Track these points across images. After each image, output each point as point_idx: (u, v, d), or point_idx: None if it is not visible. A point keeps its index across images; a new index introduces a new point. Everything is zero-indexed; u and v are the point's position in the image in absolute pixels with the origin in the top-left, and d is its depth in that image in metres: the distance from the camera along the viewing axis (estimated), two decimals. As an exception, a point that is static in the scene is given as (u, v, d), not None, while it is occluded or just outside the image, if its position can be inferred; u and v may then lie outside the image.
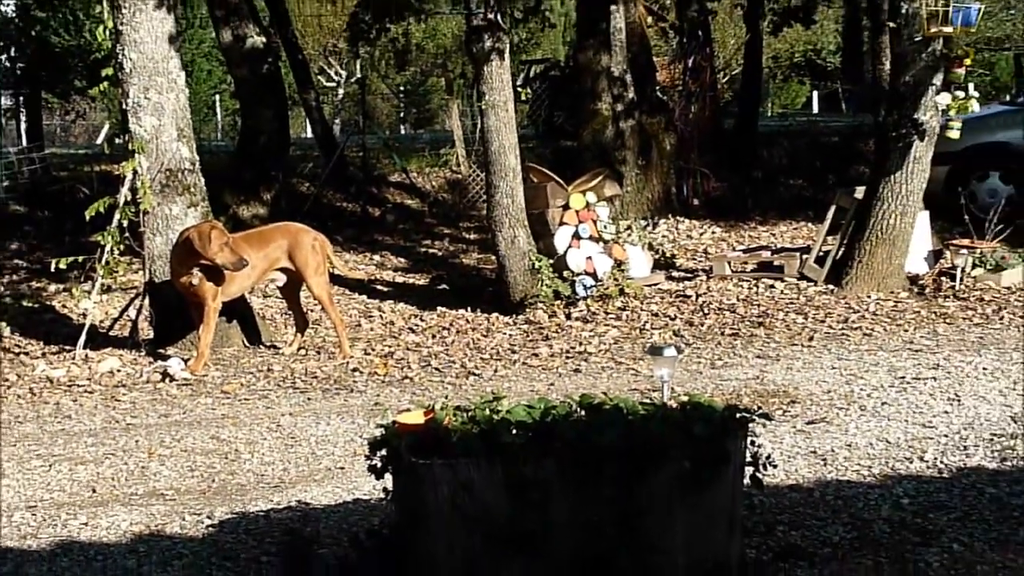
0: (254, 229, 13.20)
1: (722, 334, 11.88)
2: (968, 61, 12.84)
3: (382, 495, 5.98)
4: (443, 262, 16.62)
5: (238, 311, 12.55)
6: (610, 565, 5.50)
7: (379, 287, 14.96)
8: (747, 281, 13.76)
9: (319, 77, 36.06)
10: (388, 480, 5.80)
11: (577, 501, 5.48)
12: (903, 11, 12.68)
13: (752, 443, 5.95)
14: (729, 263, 14.40)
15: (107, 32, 12.18)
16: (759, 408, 6.60)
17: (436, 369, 11.33)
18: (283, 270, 12.16)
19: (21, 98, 31.58)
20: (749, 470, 5.96)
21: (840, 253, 13.57)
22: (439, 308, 13.73)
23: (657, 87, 19.54)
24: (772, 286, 13.49)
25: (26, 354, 12.54)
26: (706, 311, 12.76)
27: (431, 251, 17.32)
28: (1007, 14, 38.30)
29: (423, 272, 16.03)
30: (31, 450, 9.08)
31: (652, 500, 5.55)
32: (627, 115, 17.58)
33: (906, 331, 11.47)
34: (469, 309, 13.48)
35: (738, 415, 5.86)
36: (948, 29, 12.47)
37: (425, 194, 20.78)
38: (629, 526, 5.53)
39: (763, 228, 17.32)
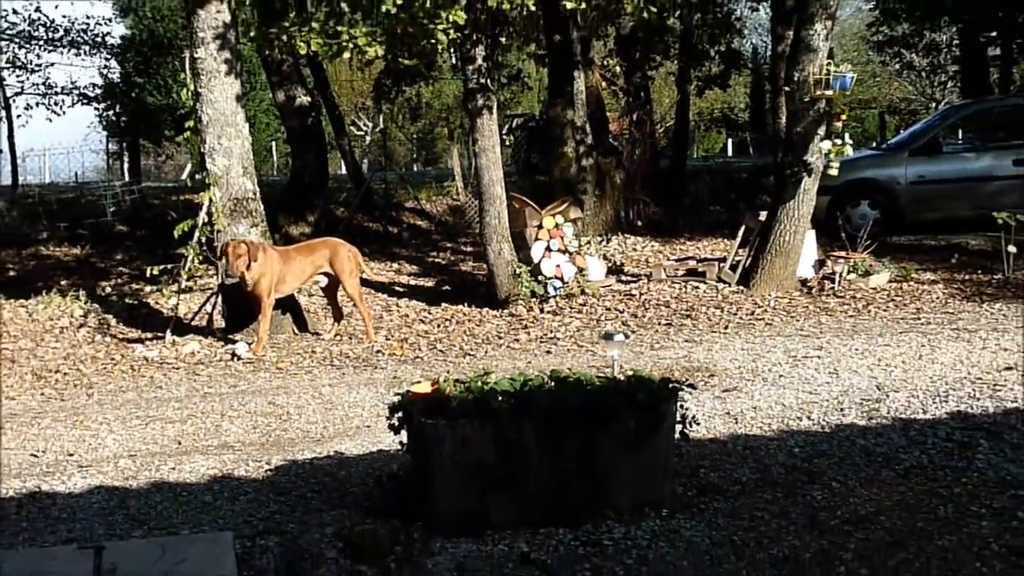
0: (304, 243, 13.25)
1: (659, 324, 11.90)
2: (844, 116, 12.88)
3: (399, 447, 6.00)
4: (446, 269, 16.61)
5: (289, 306, 12.55)
6: (572, 494, 5.53)
7: (397, 288, 14.95)
8: (678, 283, 13.76)
9: (351, 127, 36.00)
10: (403, 436, 5.83)
11: (548, 451, 5.50)
12: (796, 78, 12.72)
13: (681, 407, 5.98)
14: (664, 270, 14.41)
15: (189, 94, 12.17)
16: (687, 380, 6.61)
17: (440, 351, 11.34)
18: (325, 274, 12.27)
19: (124, 144, 31.52)
20: (679, 428, 5.99)
21: (748, 262, 13.59)
22: (443, 304, 13.73)
23: (609, 135, 19.56)
24: (697, 287, 13.50)
25: (128, 340, 12.53)
26: (647, 306, 12.78)
27: (437, 260, 17.32)
28: (873, 81, 38.48)
29: (430, 276, 16.02)
30: (132, 412, 9.08)
31: (605, 450, 5.58)
32: (587, 156, 17.59)
33: (797, 321, 11.50)
34: (466, 305, 13.48)
35: (671, 385, 5.89)
36: (829, 92, 12.52)
37: (432, 217, 20.77)
38: (588, 470, 5.56)
39: (690, 243, 17.33)
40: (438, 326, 12.65)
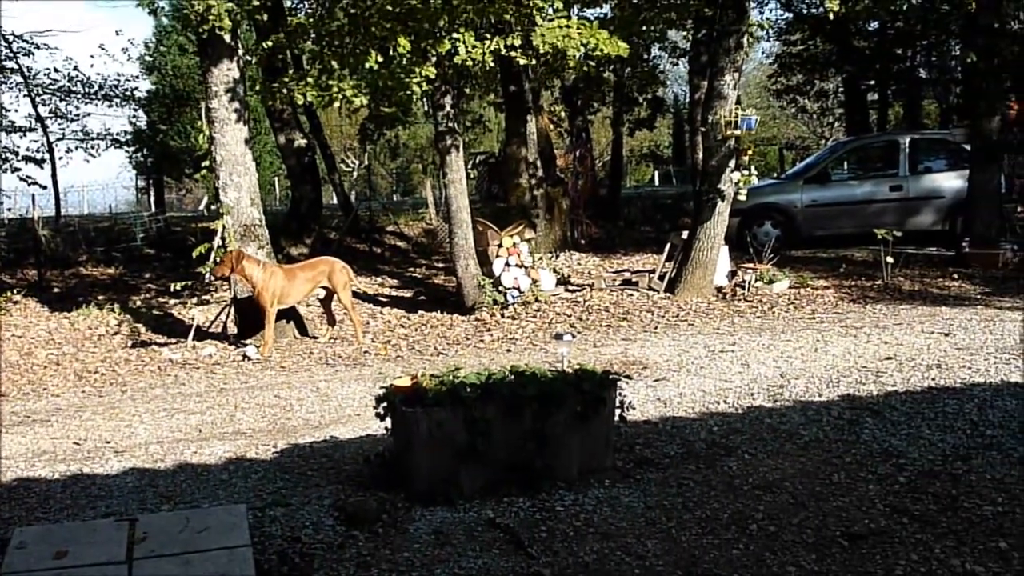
0: (306, 261, 13.17)
1: (600, 325, 11.92)
2: (750, 152, 12.98)
3: (384, 431, 5.99)
4: (421, 282, 16.57)
5: (291, 314, 12.48)
6: (529, 469, 5.54)
7: (380, 298, 14.90)
8: (616, 291, 13.79)
9: (341, 164, 35.79)
10: (388, 422, 5.81)
11: (509, 431, 5.50)
12: (709, 120, 12.81)
13: (620, 394, 6.00)
14: (604, 280, 14.43)
15: (205, 138, 12.10)
16: (624, 372, 6.63)
17: (418, 351, 11.32)
18: (323, 287, 12.20)
19: (151, 180, 31.25)
20: (618, 411, 6.01)
21: (673, 273, 13.64)
22: (419, 311, 13.69)
23: (557, 168, 19.59)
24: (631, 294, 13.54)
25: (156, 344, 12.42)
26: (590, 311, 12.80)
27: (414, 275, 17.27)
28: (773, 122, 38.79)
29: (409, 288, 15.98)
30: (160, 406, 9.00)
31: (557, 429, 5.59)
32: (538, 187, 17.62)
33: (714, 322, 11.56)
34: (439, 312, 13.45)
35: (611, 376, 5.91)
36: (738, 132, 12.61)
37: (410, 238, 20.69)
38: (542, 446, 5.56)
39: (625, 257, 17.37)
40: (416, 330, 12.62)
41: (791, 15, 25.13)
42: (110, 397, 9.87)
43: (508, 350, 10.84)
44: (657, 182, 40.24)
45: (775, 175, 22.71)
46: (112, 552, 4.55)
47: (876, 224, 14.71)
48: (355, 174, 39.88)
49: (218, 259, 11.85)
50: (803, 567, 4.57)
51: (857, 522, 5.00)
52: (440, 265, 17.77)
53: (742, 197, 13.13)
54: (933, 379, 7.60)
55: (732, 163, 12.83)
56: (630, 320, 12.03)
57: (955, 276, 13.48)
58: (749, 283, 13.17)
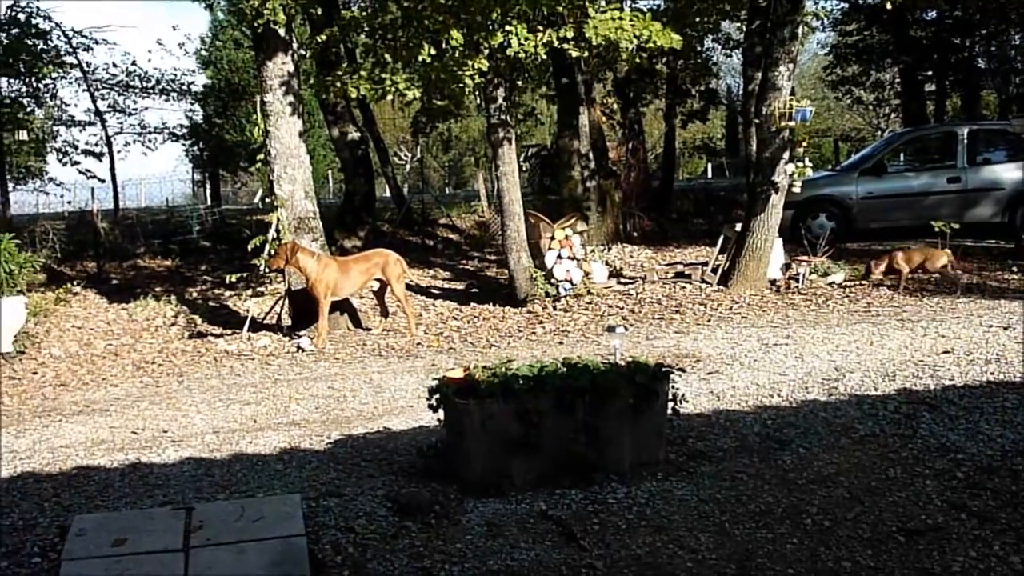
0: (360, 254, 13.24)
1: (653, 318, 11.87)
2: (804, 143, 12.84)
3: (437, 423, 6.01)
4: (474, 274, 16.61)
5: (345, 306, 12.56)
6: (581, 461, 5.52)
7: (433, 291, 14.95)
8: (668, 284, 13.73)
9: (394, 157, 35.99)
10: (441, 414, 5.83)
11: (561, 423, 5.50)
12: (763, 112, 12.68)
13: (672, 387, 5.96)
14: (656, 273, 14.39)
15: (260, 132, 12.21)
16: (677, 365, 6.60)
17: (470, 343, 11.34)
18: (377, 280, 12.27)
19: (207, 173, 31.60)
20: (671, 404, 5.98)
21: (726, 266, 13.55)
22: (472, 304, 13.72)
23: (609, 161, 19.54)
24: (684, 287, 13.47)
25: (212, 335, 12.57)
26: (642, 304, 12.75)
27: (466, 267, 17.31)
28: (828, 113, 38.31)
29: (461, 280, 16.02)
30: (215, 396, 9.11)
31: (608, 422, 5.57)
32: (590, 179, 17.59)
33: (768, 315, 11.46)
34: (491, 304, 13.47)
35: (663, 369, 5.88)
36: (792, 123, 12.48)
37: (462, 231, 20.75)
38: (594, 438, 5.54)
39: (678, 250, 17.28)
40: (468, 322, 12.65)
41: (847, 5, 24.81)
42: (167, 387, 10.00)
43: (560, 342, 10.83)
44: (710, 174, 39.92)
45: (830, 167, 22.43)
46: (169, 540, 4.61)
47: (933, 216, 14.47)
48: (408, 167, 40.09)
49: (272, 251, 11.96)
50: (859, 562, 4.51)
51: (914, 518, 4.92)
52: (492, 258, 17.79)
53: (796, 189, 12.99)
54: (992, 373, 7.46)
55: (786, 155, 12.70)
56: (683, 313, 11.96)
57: (1015, 269, 13.23)
58: (803, 276, 13.04)
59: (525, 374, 5.62)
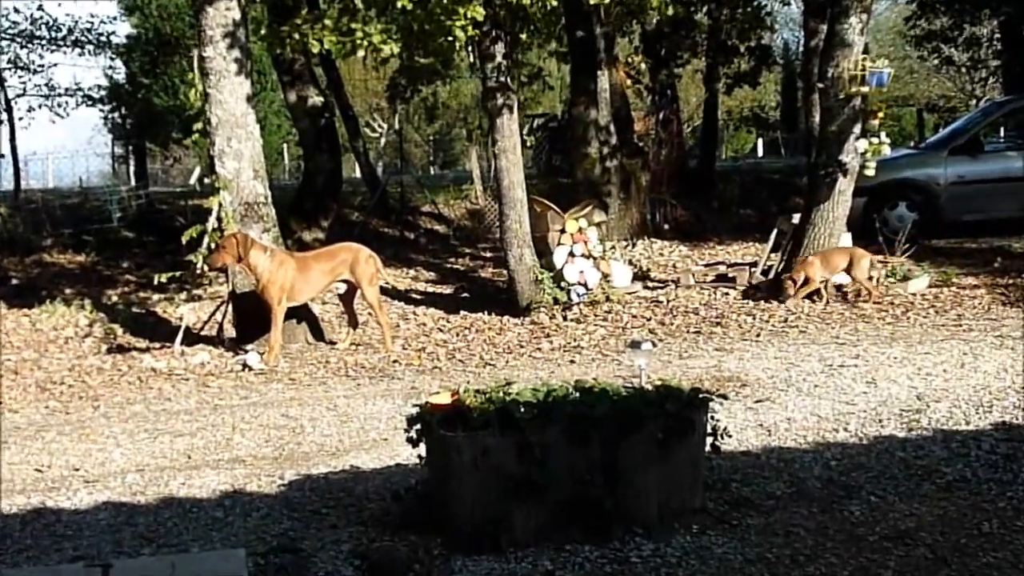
0: (324, 249, 13.24)
1: (687, 332, 11.87)
2: (881, 114, 12.86)
3: (417, 460, 6.01)
4: (464, 275, 16.61)
5: (303, 314, 12.57)
6: (597, 508, 5.53)
7: (414, 295, 14.95)
8: (707, 289, 13.74)
9: (365, 129, 35.98)
10: (422, 448, 5.84)
11: (572, 460, 5.50)
12: (829, 74, 12.70)
13: (712, 418, 5.98)
14: (693, 275, 14.39)
15: (198, 94, 12.23)
16: (717, 390, 6.60)
17: (460, 361, 11.34)
18: (344, 281, 12.27)
19: (130, 147, 31.61)
20: (710, 439, 5.99)
21: (780, 267, 13.55)
22: (462, 312, 13.72)
23: (635, 135, 19.55)
24: (727, 293, 13.47)
25: (135, 349, 12.57)
26: (675, 313, 12.75)
27: (455, 267, 17.32)
28: (911, 77, 38.32)
29: (448, 283, 16.02)
30: (139, 425, 9.11)
31: (632, 460, 5.58)
32: (611, 157, 17.59)
33: (833, 329, 11.46)
34: (485, 313, 13.47)
35: (700, 395, 5.89)
36: (865, 89, 12.50)
37: (450, 221, 20.75)
38: (614, 480, 5.55)
39: (720, 247, 17.29)
40: (457, 335, 12.66)
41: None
42: (79, 414, 10.00)
43: (572, 361, 10.83)
44: (761, 152, 39.98)
45: (912, 144, 22.44)
46: (82, 604, 4.62)
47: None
48: (383, 141, 40.10)
49: (213, 245, 11.96)
50: (944, 639, 4.52)
51: (1014, 584, 4.93)
52: (488, 255, 17.79)
53: (869, 172, 13.00)
54: (1113, 404, 7.48)
55: (857, 129, 12.71)
56: (725, 325, 11.96)
57: None
58: (878, 280, 13.04)
59: (528, 400, 5.62)
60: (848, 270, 12.82)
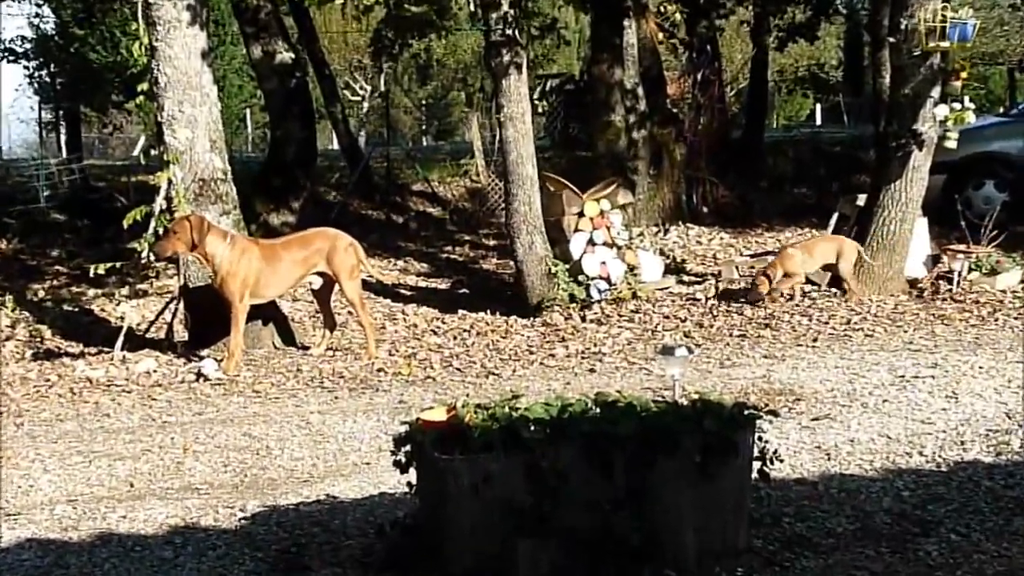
0: (295, 234, 13.20)
1: (730, 335, 11.86)
2: (964, 75, 12.83)
3: (406, 489, 6.00)
4: (463, 267, 16.62)
5: (270, 313, 12.57)
6: (622, 546, 5.52)
7: (402, 291, 14.96)
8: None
9: (345, 91, 36.07)
10: (412, 474, 5.83)
11: (592, 488, 5.49)
12: (902, 27, 12.66)
13: (759, 439, 5.97)
14: (737, 268, 14.38)
15: (143, 48, 12.21)
16: (766, 405, 6.59)
17: (457, 369, 11.34)
18: (320, 273, 12.23)
19: (61, 112, 31.60)
20: (757, 465, 5.97)
21: (843, 258, 13.54)
22: (460, 311, 13.72)
23: (668, 99, 19.54)
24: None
25: (66, 355, 12.57)
26: (715, 313, 12.75)
27: (452, 257, 17.32)
28: (1001, 30, 38.16)
29: (444, 277, 16.03)
30: (71, 447, 9.11)
31: (663, 488, 5.57)
32: (639, 126, 17.59)
33: (905, 332, 11.45)
34: (488, 312, 13.47)
35: (746, 412, 5.88)
36: (945, 44, 12.45)
37: (446, 202, 20.78)
38: (641, 511, 5.54)
39: (769, 234, 17.29)
40: (454, 338, 12.66)
41: None
42: None
43: (591, 370, 10.83)
44: (819, 120, 39.98)
45: (1001, 110, 22.43)
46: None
47: None
48: (366, 106, 40.19)
49: (162, 229, 11.96)
50: None
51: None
52: (491, 243, 17.80)
53: (951, 144, 12.96)
54: None
55: (936, 92, 12.68)
56: (776, 328, 11.95)
57: None
58: (960, 274, 13.02)
59: (539, 416, 5.62)
60: (832, 265, 12.83)
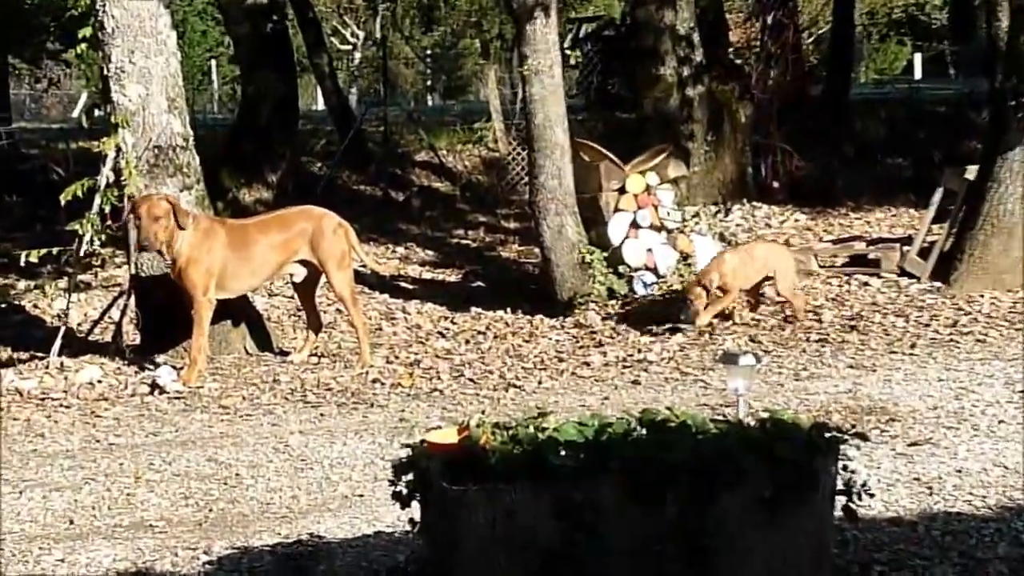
0: (271, 213, 13.20)
1: (808, 340, 11.84)
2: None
3: (408, 527, 6.01)
4: (478, 255, 16.64)
5: (240, 312, 12.57)
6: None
7: (403, 284, 14.98)
8: (837, 278, 13.71)
9: (332, 39, 36.15)
10: (415, 509, 5.84)
11: (636, 527, 5.50)
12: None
13: (844, 468, 5.96)
14: (816, 256, 14.36)
15: (85, -15, 12.25)
16: (852, 427, 6.57)
17: (470, 380, 11.34)
18: (302, 262, 12.19)
19: (-16, 63, 31.74)
20: (840, 499, 5.97)
21: (948, 244, 13.51)
22: (473, 309, 13.73)
23: (730, 48, 19.53)
24: (867, 284, 13.45)
25: (-8, 362, 12.62)
26: (788, 313, 12.73)
27: (464, 242, 17.35)
28: None
29: (454, 267, 16.05)
30: (-2, 474, 9.14)
31: (724, 527, 5.57)
32: (695, 81, 17.58)
33: (1025, 336, 11.44)
34: (508, 310, 13.48)
35: (827, 435, 5.87)
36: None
37: (456, 175, 20.82)
38: (697, 556, 5.55)
39: (856, 215, 17.27)
40: (466, 342, 12.67)
41: None
42: (-89, 456, 10.06)
43: (635, 381, 10.84)
44: (919, 74, 39.91)
45: None
46: None
47: None
48: (358, 56, 40.25)
49: (107, 205, 11.98)
50: None
51: None
52: (511, 225, 17.83)
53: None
54: None
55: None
56: (864, 331, 11.93)
57: None
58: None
59: (571, 439, 5.62)
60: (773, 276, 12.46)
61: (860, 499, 6.08)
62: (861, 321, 12.25)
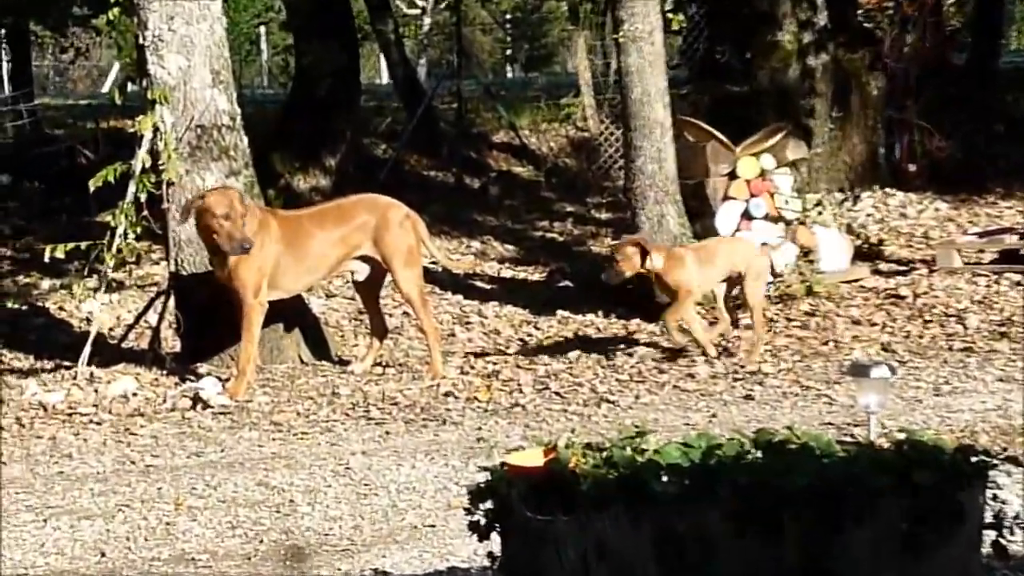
0: (330, 203, 13.23)
1: (950, 349, 11.80)
2: None
3: (486, 561, 6.03)
4: (565, 250, 16.66)
5: (295, 315, 12.61)
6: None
7: (479, 284, 15.01)
8: (985, 276, 13.65)
9: (399, 2, 36.28)
10: (495, 542, 5.85)
11: (750, 562, 5.50)
12: None
13: (994, 497, 5.93)
14: (959, 252, 14.30)
15: (117, -60, 12.34)
16: (1003, 450, 6.52)
17: (556, 394, 11.35)
18: (363, 258, 12.22)
19: (3, 31, 31.95)
20: (989, 534, 5.94)
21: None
22: (560, 312, 13.75)
23: (859, 11, 19.46)
24: (1019, 283, 13.37)
25: (11, 372, 12.69)
26: (928, 318, 12.69)
27: (549, 235, 17.37)
28: None
29: (538, 264, 16.07)
30: (19, 500, 9.18)
31: (854, 564, 5.56)
32: (818, 48, 17.54)
33: None
34: (600, 314, 13.50)
35: (974, 459, 5.85)
36: None
37: (540, 159, 20.84)
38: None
39: (1006, 203, 17.18)
40: (551, 350, 12.67)
41: None
42: (-79, 479, 10.16)
43: (748, 396, 10.82)
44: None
45: None
46: None
47: None
48: (427, 21, 40.38)
49: (143, 193, 12.05)
50: None
51: None
52: (603, 215, 17.85)
53: None
54: None
55: None
56: (1015, 339, 11.87)
57: None
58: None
59: (674, 462, 5.63)
60: (738, 280, 12.05)
61: (1012, 533, 6.06)
62: (1012, 327, 12.19)
